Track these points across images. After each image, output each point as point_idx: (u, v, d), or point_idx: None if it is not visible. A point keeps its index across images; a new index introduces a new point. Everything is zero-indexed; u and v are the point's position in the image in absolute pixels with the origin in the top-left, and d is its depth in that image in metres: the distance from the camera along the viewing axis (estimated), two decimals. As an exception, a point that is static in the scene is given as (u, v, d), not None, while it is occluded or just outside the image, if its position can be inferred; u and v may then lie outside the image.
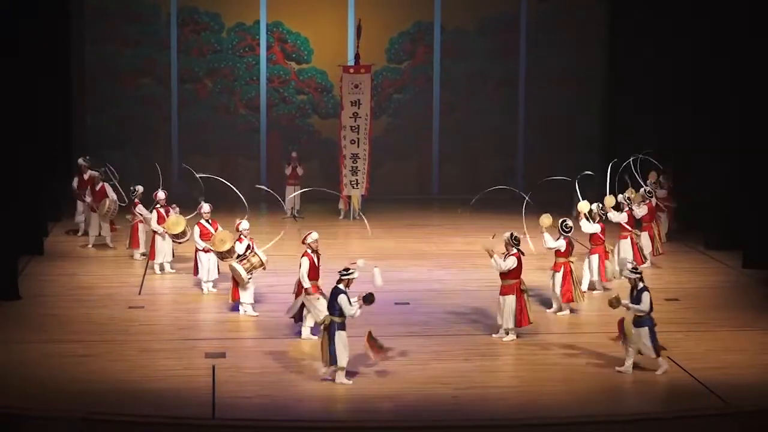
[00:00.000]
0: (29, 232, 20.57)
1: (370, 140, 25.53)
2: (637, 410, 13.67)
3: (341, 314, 14.16)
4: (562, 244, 17.36)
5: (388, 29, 28.29)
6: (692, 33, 23.43)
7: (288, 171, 25.66)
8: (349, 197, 25.47)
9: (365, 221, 20.03)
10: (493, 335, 16.37)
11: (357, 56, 25.48)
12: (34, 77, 21.14)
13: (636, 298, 14.74)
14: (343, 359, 14.13)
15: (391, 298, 18.30)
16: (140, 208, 20.79)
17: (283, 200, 19.31)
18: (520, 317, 16.12)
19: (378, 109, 27.71)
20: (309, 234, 16.23)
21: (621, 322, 14.90)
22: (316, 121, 28.52)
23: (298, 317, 16.16)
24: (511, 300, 16.11)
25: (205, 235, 18.50)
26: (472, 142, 28.74)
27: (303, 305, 15.98)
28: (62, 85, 24.82)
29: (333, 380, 14.18)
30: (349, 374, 14.30)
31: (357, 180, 25.39)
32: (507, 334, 16.19)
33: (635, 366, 14.76)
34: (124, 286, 19.09)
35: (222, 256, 17.92)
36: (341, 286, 14.25)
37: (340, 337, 14.13)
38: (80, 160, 22.70)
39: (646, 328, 14.68)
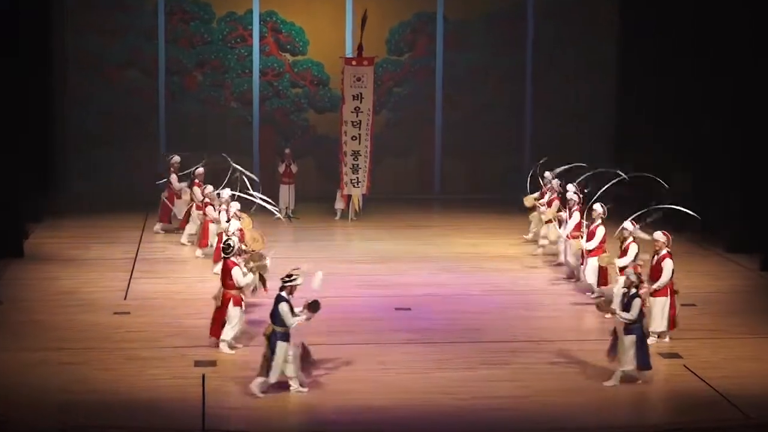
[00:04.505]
0: (8, 234, 20.51)
1: (372, 136, 25.19)
2: (651, 421, 13.65)
3: (283, 323, 13.76)
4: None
5: (388, 19, 28.00)
6: (702, 25, 23.27)
7: (282, 169, 25.34)
8: (349, 197, 25.07)
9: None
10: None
11: (360, 48, 24.96)
12: (14, 70, 20.86)
13: (626, 305, 14.45)
14: (288, 370, 13.76)
15: (392, 303, 18.31)
16: (210, 210, 21.04)
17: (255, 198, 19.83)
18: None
19: (377, 103, 27.26)
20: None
21: (614, 331, 14.67)
22: (312, 115, 28.25)
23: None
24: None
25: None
26: (475, 139, 28.47)
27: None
28: (44, 78, 24.54)
29: (254, 393, 13.75)
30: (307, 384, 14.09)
31: (357, 178, 25.00)
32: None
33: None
34: (108, 290, 18.87)
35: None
36: (284, 293, 13.87)
37: (281, 348, 13.70)
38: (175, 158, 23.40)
39: (634, 336, 14.33)
